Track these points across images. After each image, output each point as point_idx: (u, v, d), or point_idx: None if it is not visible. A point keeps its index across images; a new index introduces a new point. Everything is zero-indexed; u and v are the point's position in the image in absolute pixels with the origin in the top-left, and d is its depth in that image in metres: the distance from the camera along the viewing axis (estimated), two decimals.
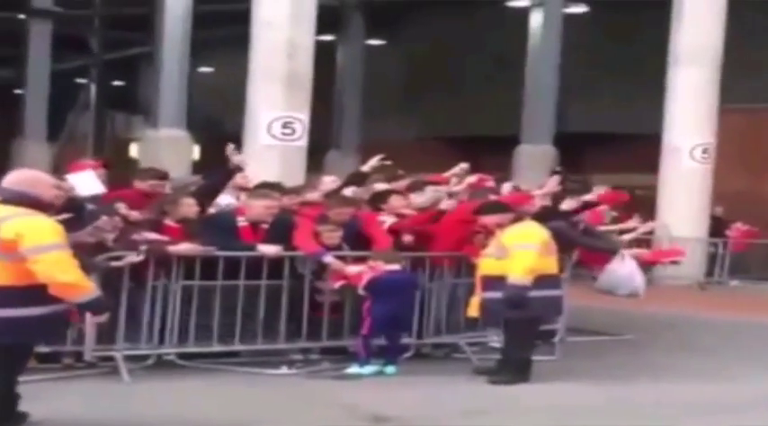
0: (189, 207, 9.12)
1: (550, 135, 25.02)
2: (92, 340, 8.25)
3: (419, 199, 10.23)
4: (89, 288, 6.28)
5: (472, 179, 10.57)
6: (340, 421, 7.24)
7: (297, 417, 7.36)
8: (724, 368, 9.89)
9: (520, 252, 8.60)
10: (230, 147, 9.86)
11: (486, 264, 8.85)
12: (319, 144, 22.73)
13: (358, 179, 10.78)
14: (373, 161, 11.11)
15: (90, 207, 8.34)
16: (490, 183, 10.89)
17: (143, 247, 8.39)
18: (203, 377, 8.46)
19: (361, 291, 8.81)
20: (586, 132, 26.47)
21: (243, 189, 10.07)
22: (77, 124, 36.60)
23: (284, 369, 8.83)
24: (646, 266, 12.77)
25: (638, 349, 10.89)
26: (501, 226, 8.84)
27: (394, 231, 9.69)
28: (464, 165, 11.01)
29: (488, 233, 9.04)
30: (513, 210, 9.05)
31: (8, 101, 30.83)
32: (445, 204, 9.93)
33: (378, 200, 10.05)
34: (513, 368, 8.67)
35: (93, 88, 37.14)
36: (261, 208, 9.18)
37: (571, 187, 11.83)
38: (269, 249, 8.99)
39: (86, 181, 8.86)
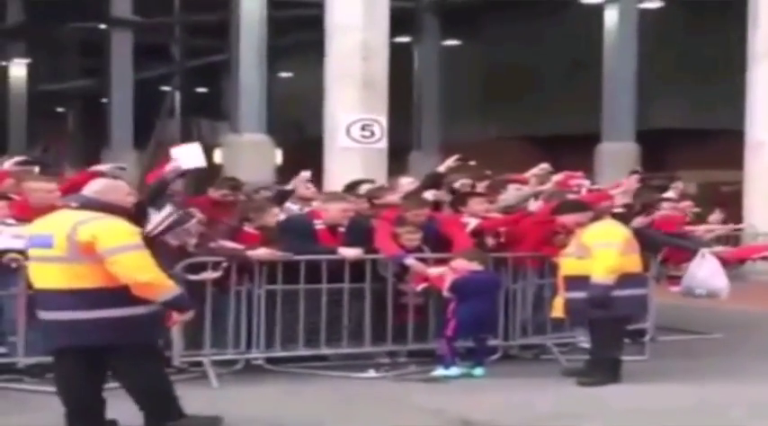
0: (273, 216, 9.17)
1: (632, 132, 24.71)
2: (180, 345, 8.33)
3: (506, 199, 10.13)
4: (170, 286, 6.36)
5: (559, 177, 10.45)
6: (427, 425, 7.17)
7: (384, 421, 7.33)
8: None
9: (601, 251, 8.47)
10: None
11: (568, 264, 8.74)
12: (401, 145, 22.80)
13: (434, 179, 10.69)
14: (449, 161, 11.05)
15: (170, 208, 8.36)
16: (578, 181, 10.71)
17: (224, 264, 8.46)
18: (291, 382, 8.49)
19: (445, 293, 8.76)
20: (669, 128, 26.15)
21: (307, 199, 10.17)
22: (164, 131, 37.10)
23: (371, 373, 8.81)
24: (734, 264, 12.56)
25: (728, 349, 10.64)
26: (581, 225, 8.72)
27: (478, 233, 9.60)
28: (545, 165, 10.91)
29: (568, 232, 8.94)
30: (592, 209, 8.93)
31: (94, 110, 31.35)
32: (533, 205, 9.84)
33: (457, 203, 9.98)
34: (602, 368, 8.55)
35: (177, 95, 37.65)
36: (337, 211, 9.18)
37: (657, 183, 11.67)
38: (350, 252, 8.97)
39: (190, 154, 8.82)
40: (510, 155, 23.38)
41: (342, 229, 9.18)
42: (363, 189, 10.47)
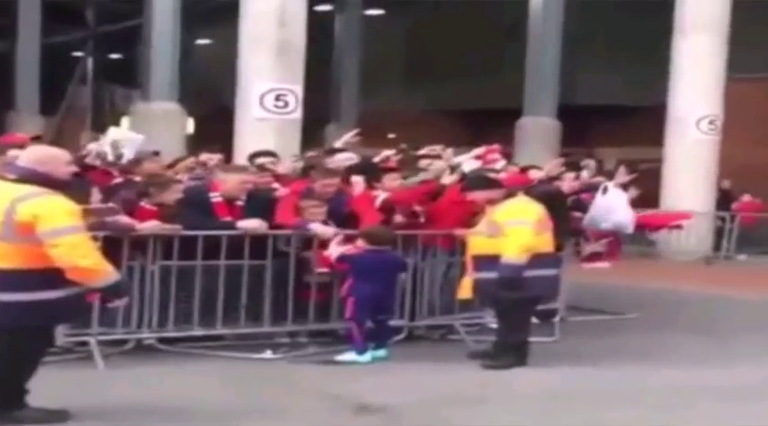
0: (174, 192, 8.65)
1: (554, 107, 24.50)
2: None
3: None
4: (109, 272, 6.06)
5: (478, 151, 10.09)
6: (321, 413, 6.79)
7: (276, 405, 6.93)
8: (731, 350, 9.46)
9: (514, 229, 8.12)
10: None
11: (478, 243, 8.37)
12: (317, 117, 22.37)
13: (332, 154, 10.32)
14: (347, 136, 10.71)
15: None
16: (495, 155, 10.35)
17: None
18: (182, 362, 8.06)
19: (333, 259, 8.33)
20: (591, 104, 26.04)
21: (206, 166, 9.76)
22: (75, 97, 36.21)
23: (268, 353, 8.41)
24: (650, 230, 12.35)
25: (642, 329, 10.47)
26: (492, 202, 8.35)
27: (387, 208, 9.21)
28: (436, 147, 10.59)
29: (479, 210, 8.57)
30: (502, 186, 8.57)
31: (2, 73, 30.49)
32: (447, 178, 9.46)
33: (371, 178, 9.55)
34: (508, 351, 8.23)
35: (90, 61, 36.75)
36: (235, 182, 8.72)
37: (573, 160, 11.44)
38: (250, 223, 8.51)
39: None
40: (432, 129, 23.07)
41: (240, 203, 8.73)
42: (260, 161, 10.08)
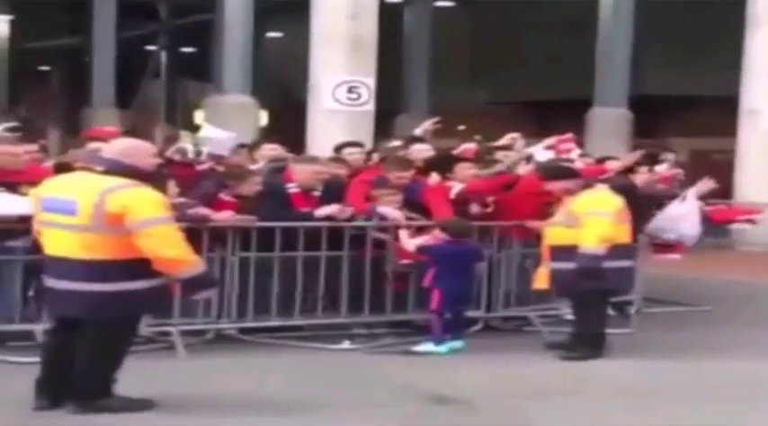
0: (253, 185, 8.73)
1: (625, 98, 24.30)
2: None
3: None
4: (194, 262, 6.15)
5: (550, 141, 10.04)
6: (399, 402, 6.84)
7: (353, 396, 6.99)
8: None
9: (592, 219, 8.11)
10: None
11: (555, 233, 8.38)
12: (388, 108, 22.42)
13: (412, 143, 10.32)
14: (426, 124, 10.70)
15: None
16: (569, 145, 10.26)
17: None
18: (262, 353, 8.18)
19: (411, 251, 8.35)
20: (661, 95, 25.79)
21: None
22: (149, 91, 36.65)
23: (346, 344, 8.49)
24: (719, 224, 12.23)
25: (718, 321, 10.36)
26: (569, 192, 8.35)
27: (462, 199, 9.22)
28: (514, 135, 10.57)
29: (556, 200, 8.57)
30: (580, 176, 8.56)
31: (77, 69, 30.91)
32: (522, 169, 9.45)
33: (444, 169, 9.58)
34: (586, 343, 8.23)
35: (163, 55, 37.16)
36: (308, 173, 8.81)
37: (649, 151, 11.35)
38: (328, 209, 8.57)
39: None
40: (500, 121, 23.01)
41: (316, 193, 8.81)
42: (347, 152, 10.11)
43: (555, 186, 8.49)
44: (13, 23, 36.23)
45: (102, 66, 27.37)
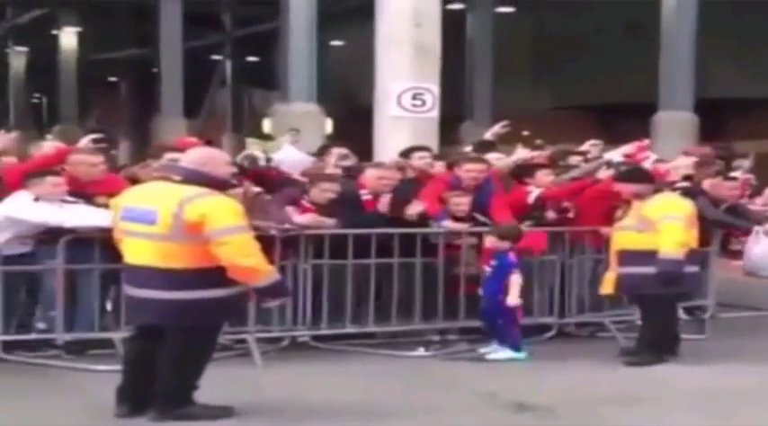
0: (323, 192, 8.78)
1: (690, 101, 24.05)
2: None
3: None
4: (269, 272, 6.21)
5: (628, 149, 9.94)
6: (477, 409, 6.85)
7: (430, 403, 7.01)
8: None
9: (667, 224, 8.05)
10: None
11: (625, 238, 8.30)
12: (452, 115, 22.40)
13: (484, 147, 10.32)
14: (496, 128, 10.70)
15: None
16: (647, 153, 10.12)
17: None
18: (337, 360, 8.23)
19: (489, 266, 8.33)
20: (725, 98, 25.50)
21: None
22: (216, 100, 36.99)
23: (421, 351, 8.52)
24: None
25: None
26: (640, 197, 8.28)
27: (539, 204, 9.21)
28: (595, 142, 10.51)
29: (625, 204, 8.50)
30: (655, 181, 8.50)
31: (146, 79, 31.29)
32: (602, 174, 9.41)
33: (523, 174, 9.58)
34: (651, 348, 8.18)
35: (228, 64, 37.49)
36: (372, 178, 8.89)
37: (720, 154, 11.23)
38: (413, 208, 8.60)
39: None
40: (564, 125, 22.94)
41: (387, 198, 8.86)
42: (416, 156, 10.13)
43: (626, 188, 8.42)
44: (81, 35, 36.83)
45: (170, 76, 27.67)
